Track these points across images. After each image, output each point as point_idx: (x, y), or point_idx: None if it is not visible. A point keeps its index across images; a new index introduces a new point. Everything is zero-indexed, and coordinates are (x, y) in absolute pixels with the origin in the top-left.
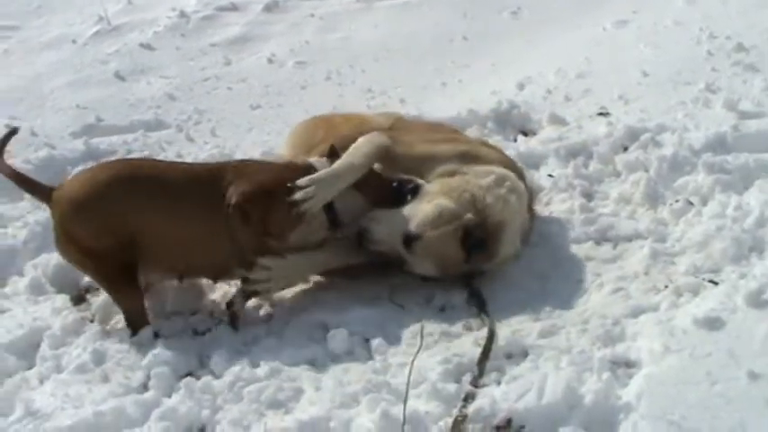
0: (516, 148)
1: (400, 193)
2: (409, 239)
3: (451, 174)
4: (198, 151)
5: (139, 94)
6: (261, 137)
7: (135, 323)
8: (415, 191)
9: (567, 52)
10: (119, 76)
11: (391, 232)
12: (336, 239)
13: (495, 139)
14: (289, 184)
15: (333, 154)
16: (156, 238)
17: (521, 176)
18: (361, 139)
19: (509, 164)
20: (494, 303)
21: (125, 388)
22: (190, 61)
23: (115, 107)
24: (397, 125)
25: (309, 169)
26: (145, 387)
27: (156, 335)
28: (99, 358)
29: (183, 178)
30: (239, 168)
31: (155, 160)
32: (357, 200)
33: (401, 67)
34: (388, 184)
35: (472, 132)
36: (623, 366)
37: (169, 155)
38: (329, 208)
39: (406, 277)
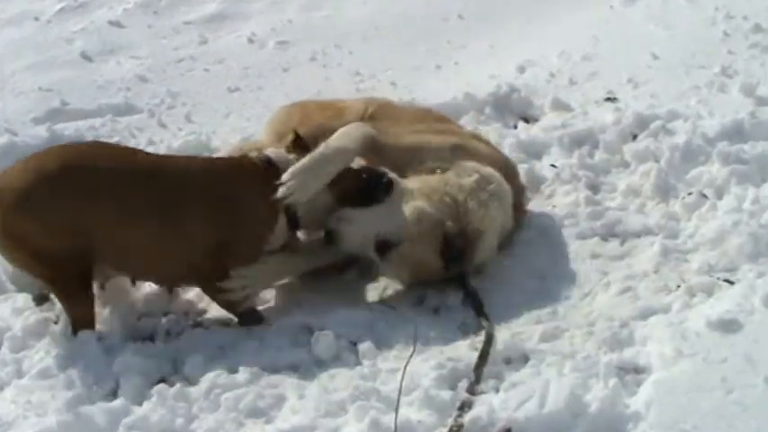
0: (517, 135)
1: (372, 190)
2: (384, 247)
3: (434, 170)
4: (171, 138)
5: (108, 76)
6: (240, 122)
7: (80, 328)
8: (389, 187)
9: (572, 32)
10: (85, 57)
11: (364, 236)
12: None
13: (494, 126)
14: (276, 182)
15: (298, 145)
16: (112, 236)
17: (512, 174)
18: (345, 128)
19: (498, 160)
20: (491, 304)
21: (92, 395)
22: (162, 40)
23: (81, 90)
24: (379, 113)
25: (266, 166)
26: (114, 394)
27: (127, 338)
28: (64, 363)
29: (144, 168)
30: (200, 164)
31: (109, 145)
32: (321, 196)
33: (392, 47)
34: (357, 177)
35: (469, 119)
36: (631, 372)
37: (140, 141)
38: (287, 207)
39: None
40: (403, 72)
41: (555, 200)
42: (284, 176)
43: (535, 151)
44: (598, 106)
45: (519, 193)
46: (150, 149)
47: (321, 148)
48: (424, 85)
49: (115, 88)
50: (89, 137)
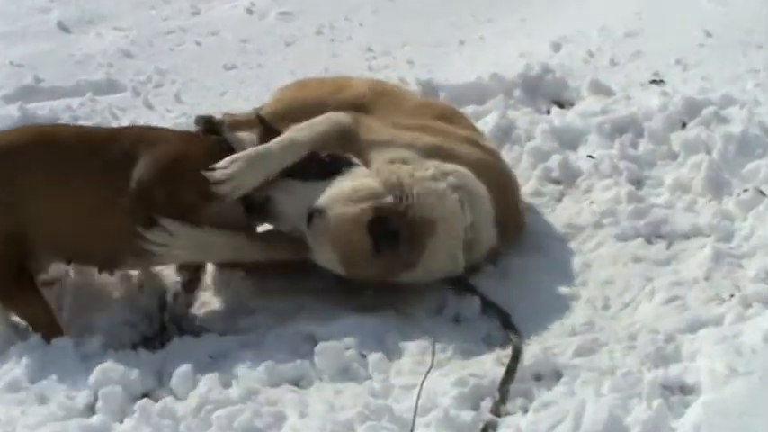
0: (550, 122)
1: (329, 168)
2: (311, 215)
3: (397, 161)
4: (159, 120)
5: (87, 50)
6: (236, 103)
7: (45, 333)
8: (347, 166)
9: (614, 5)
10: (62, 27)
11: (298, 206)
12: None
13: (524, 111)
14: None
15: (265, 127)
16: (43, 217)
17: (505, 185)
18: (319, 117)
19: (489, 168)
20: (518, 313)
21: (67, 410)
22: (150, 10)
23: (58, 65)
24: (378, 100)
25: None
26: (91, 410)
27: (106, 345)
28: (35, 374)
29: (75, 143)
30: (139, 136)
31: (38, 125)
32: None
33: (409, 20)
34: (318, 158)
35: (496, 103)
36: (678, 392)
37: (123, 123)
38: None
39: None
40: (421, 48)
41: (592, 195)
42: (219, 164)
43: (570, 140)
44: (643, 90)
45: (510, 209)
46: None
47: (275, 140)
48: (446, 64)
49: (95, 64)
50: (65, 117)
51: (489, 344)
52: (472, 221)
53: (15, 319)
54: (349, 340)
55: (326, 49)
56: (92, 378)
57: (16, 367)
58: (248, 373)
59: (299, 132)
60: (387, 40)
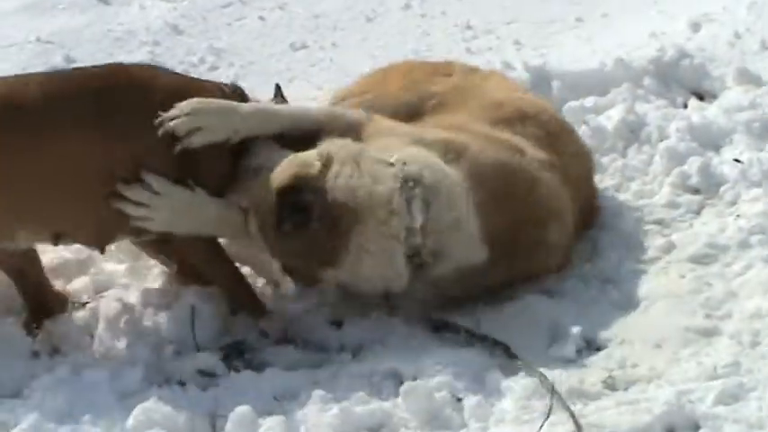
0: (687, 117)
1: None
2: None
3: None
4: None
5: (129, 25)
6: (306, 90)
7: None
8: None
9: None
10: None
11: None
12: None
13: (656, 104)
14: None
15: (277, 95)
16: (15, 188)
17: (556, 211)
18: (319, 107)
19: (523, 178)
20: (640, 348)
21: None
22: None
23: (93, 42)
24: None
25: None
26: None
27: (149, 380)
28: (63, 414)
29: (46, 95)
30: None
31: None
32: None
33: None
34: None
35: (621, 93)
36: None
37: None
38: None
39: (515, 304)
40: (531, 26)
41: (739, 208)
42: (178, 105)
43: (712, 140)
44: None
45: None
46: None
47: (257, 104)
48: (560, 46)
49: (138, 41)
50: None
51: (610, 386)
52: (425, 225)
53: (40, 347)
54: (440, 380)
55: (415, 26)
56: (131, 420)
57: (41, 405)
58: (319, 418)
59: (286, 108)
60: (489, 15)
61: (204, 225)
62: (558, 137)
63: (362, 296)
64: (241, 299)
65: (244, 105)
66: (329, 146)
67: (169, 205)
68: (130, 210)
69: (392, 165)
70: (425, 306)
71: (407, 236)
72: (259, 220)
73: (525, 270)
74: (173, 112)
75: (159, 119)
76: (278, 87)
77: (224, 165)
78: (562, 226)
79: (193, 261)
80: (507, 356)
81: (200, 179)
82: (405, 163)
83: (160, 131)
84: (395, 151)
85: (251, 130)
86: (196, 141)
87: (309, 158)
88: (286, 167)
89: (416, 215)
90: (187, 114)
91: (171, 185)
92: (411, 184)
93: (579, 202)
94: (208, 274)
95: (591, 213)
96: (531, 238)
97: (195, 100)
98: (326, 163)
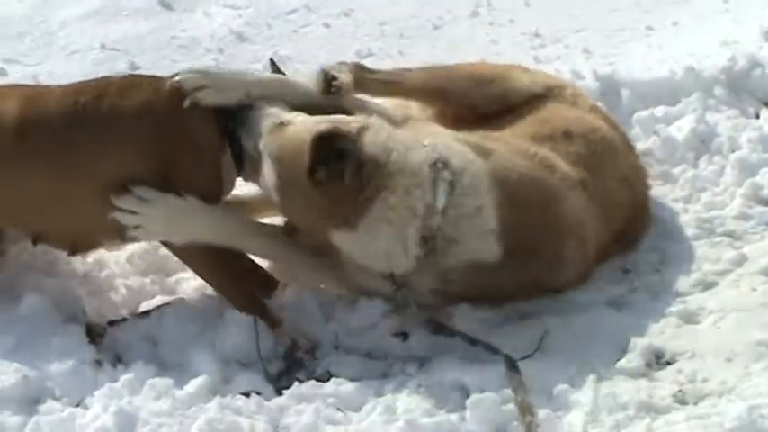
0: (759, 128)
1: None
2: (275, 126)
3: None
4: None
5: (193, 32)
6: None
7: None
8: None
9: None
10: (164, 4)
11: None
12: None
13: (727, 114)
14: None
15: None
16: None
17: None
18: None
19: (544, 190)
20: (711, 361)
21: None
22: None
23: (157, 49)
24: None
25: None
26: None
27: (210, 391)
28: (124, 420)
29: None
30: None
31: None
32: None
33: None
34: None
35: (692, 102)
36: None
37: None
38: (232, 135)
39: (583, 317)
40: (600, 35)
41: None
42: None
43: None
44: None
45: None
46: None
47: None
48: (630, 55)
49: (202, 48)
50: None
51: (681, 400)
52: (446, 208)
53: (102, 355)
54: (508, 392)
55: (483, 34)
56: (194, 430)
57: (103, 414)
58: (384, 429)
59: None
60: (558, 23)
61: (197, 232)
62: (602, 159)
63: (361, 282)
64: (247, 308)
65: (261, 73)
66: (366, 117)
67: (160, 214)
68: (122, 219)
69: (425, 146)
70: (428, 302)
71: (427, 215)
72: (280, 174)
73: (535, 281)
74: (183, 69)
75: (172, 76)
76: (272, 62)
77: (214, 171)
78: (581, 244)
79: (193, 269)
80: (508, 366)
81: (191, 186)
82: (436, 146)
83: (168, 84)
84: (429, 137)
85: (263, 95)
86: (205, 99)
87: (347, 118)
88: (324, 120)
89: (440, 196)
90: (197, 72)
91: (160, 194)
92: (440, 165)
93: (616, 225)
94: (208, 282)
95: (634, 237)
96: (545, 250)
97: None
98: (365, 126)
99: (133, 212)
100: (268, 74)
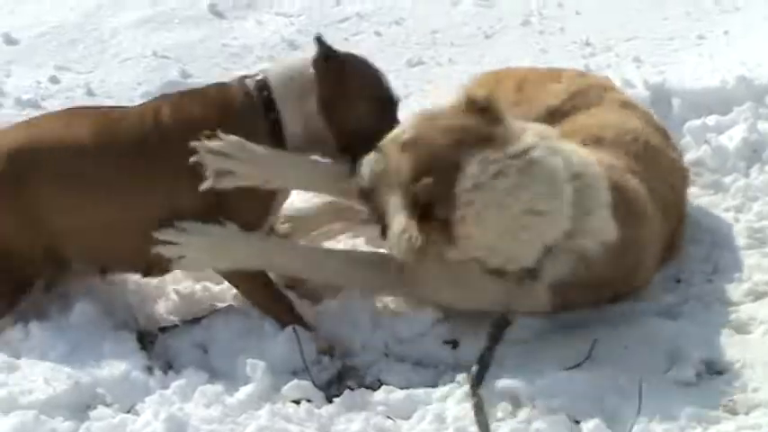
0: None
1: None
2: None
3: None
4: None
5: (245, 40)
6: (423, 105)
7: None
8: None
9: None
10: (215, 12)
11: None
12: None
13: None
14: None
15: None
16: (71, 227)
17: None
18: None
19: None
20: (762, 371)
21: None
22: None
23: (208, 57)
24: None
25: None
26: None
27: (260, 398)
28: (177, 431)
29: (98, 133)
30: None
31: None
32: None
33: (636, 8)
34: None
35: (744, 112)
36: None
37: None
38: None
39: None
40: (651, 44)
41: None
42: (222, 141)
43: None
44: None
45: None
46: None
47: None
48: (680, 63)
49: (254, 56)
50: None
51: (731, 410)
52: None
53: (153, 362)
54: (558, 402)
55: (534, 42)
56: None
57: (153, 421)
58: None
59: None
60: (608, 32)
61: (239, 260)
62: (645, 162)
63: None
64: (286, 320)
65: (286, 156)
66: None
67: (202, 244)
68: (164, 251)
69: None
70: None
71: (554, 214)
72: (391, 177)
73: (623, 286)
74: (212, 145)
75: (196, 144)
76: (319, 40)
77: (256, 198)
78: (655, 248)
79: (239, 292)
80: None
81: (232, 215)
82: (560, 149)
83: (191, 159)
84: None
85: (284, 184)
86: (223, 184)
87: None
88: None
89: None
90: (224, 154)
91: (200, 224)
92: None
93: (666, 229)
94: (253, 303)
95: (677, 243)
96: (635, 257)
97: (236, 140)
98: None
99: (175, 244)
100: (297, 157)
